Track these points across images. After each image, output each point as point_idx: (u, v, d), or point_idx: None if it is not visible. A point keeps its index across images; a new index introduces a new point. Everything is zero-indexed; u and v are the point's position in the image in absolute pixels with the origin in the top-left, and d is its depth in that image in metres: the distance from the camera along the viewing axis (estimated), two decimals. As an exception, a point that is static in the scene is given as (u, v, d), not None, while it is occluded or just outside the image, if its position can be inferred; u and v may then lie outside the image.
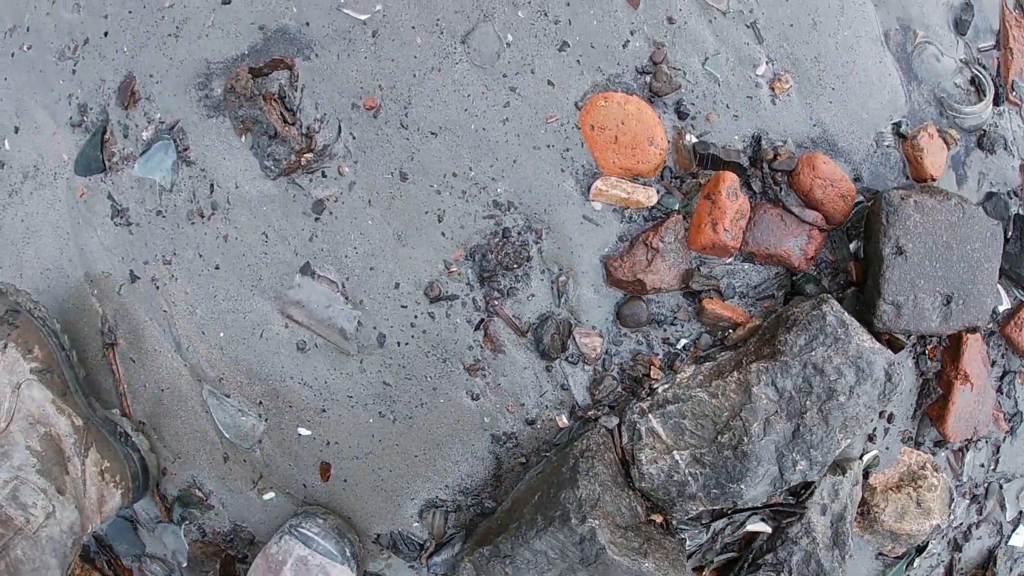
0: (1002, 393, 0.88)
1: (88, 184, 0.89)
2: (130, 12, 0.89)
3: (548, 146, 0.75)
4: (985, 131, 0.88)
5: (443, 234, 0.75)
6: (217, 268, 0.81)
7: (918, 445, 0.83)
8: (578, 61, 0.76)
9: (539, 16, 0.76)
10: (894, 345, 0.77)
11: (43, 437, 0.79)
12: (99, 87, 0.90)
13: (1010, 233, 0.87)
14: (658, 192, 0.75)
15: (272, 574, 0.76)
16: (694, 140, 0.75)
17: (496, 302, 0.74)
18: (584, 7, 0.77)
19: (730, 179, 0.72)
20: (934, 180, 0.83)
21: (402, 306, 0.76)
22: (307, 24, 0.81)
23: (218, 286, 0.81)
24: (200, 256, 0.82)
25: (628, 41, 0.76)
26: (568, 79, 0.76)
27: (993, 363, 0.87)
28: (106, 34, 0.91)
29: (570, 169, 0.75)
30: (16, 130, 0.96)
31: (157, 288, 0.84)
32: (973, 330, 0.78)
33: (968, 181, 0.88)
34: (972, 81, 0.88)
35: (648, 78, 0.76)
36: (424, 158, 0.76)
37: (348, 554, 0.77)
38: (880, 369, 0.72)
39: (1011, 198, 0.89)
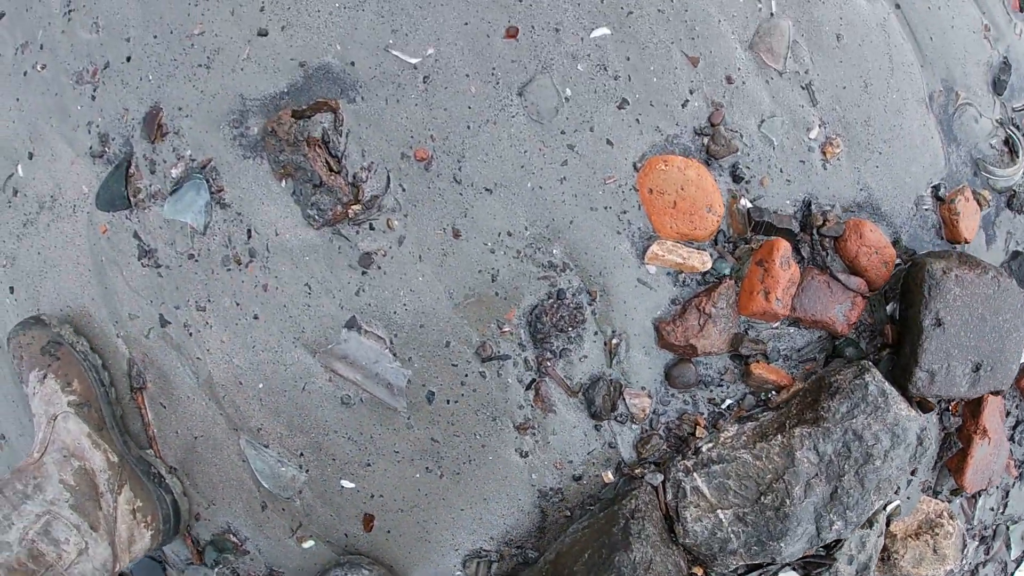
0: (1014, 441, 0.92)
1: (112, 221, 0.84)
2: (155, 37, 0.83)
3: (605, 208, 0.74)
4: (1015, 192, 0.90)
5: (496, 293, 0.74)
6: (256, 318, 0.79)
7: (936, 494, 0.87)
8: (637, 120, 0.74)
9: (599, 70, 0.74)
10: (924, 406, 0.80)
11: (77, 471, 0.77)
12: (122, 116, 0.84)
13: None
14: (711, 256, 0.75)
15: (316, 625, 0.76)
16: (748, 205, 0.75)
17: (548, 363, 0.74)
18: (644, 63, 0.75)
19: (784, 248, 0.73)
20: (967, 243, 0.85)
21: (452, 364, 0.75)
22: (352, 64, 0.77)
23: (257, 336, 0.79)
24: (237, 304, 0.79)
25: (687, 101, 0.75)
26: (627, 138, 0.74)
27: (1008, 413, 0.91)
28: (128, 59, 0.85)
29: (626, 232, 0.74)
30: (30, 156, 0.89)
31: (190, 335, 0.81)
32: (996, 393, 0.81)
33: (996, 240, 0.90)
34: (1006, 142, 0.90)
35: (706, 140, 0.75)
36: (478, 215, 0.74)
37: (393, 605, 0.77)
38: (913, 434, 0.74)
39: (1033, 257, 0.93)
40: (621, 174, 0.74)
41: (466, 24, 0.75)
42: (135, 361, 0.84)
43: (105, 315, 0.85)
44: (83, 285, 0.86)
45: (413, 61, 0.75)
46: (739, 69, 0.77)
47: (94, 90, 0.87)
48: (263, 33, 0.79)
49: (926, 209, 0.84)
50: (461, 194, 0.74)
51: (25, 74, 0.91)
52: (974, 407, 0.85)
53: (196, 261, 0.80)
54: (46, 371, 0.81)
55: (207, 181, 0.80)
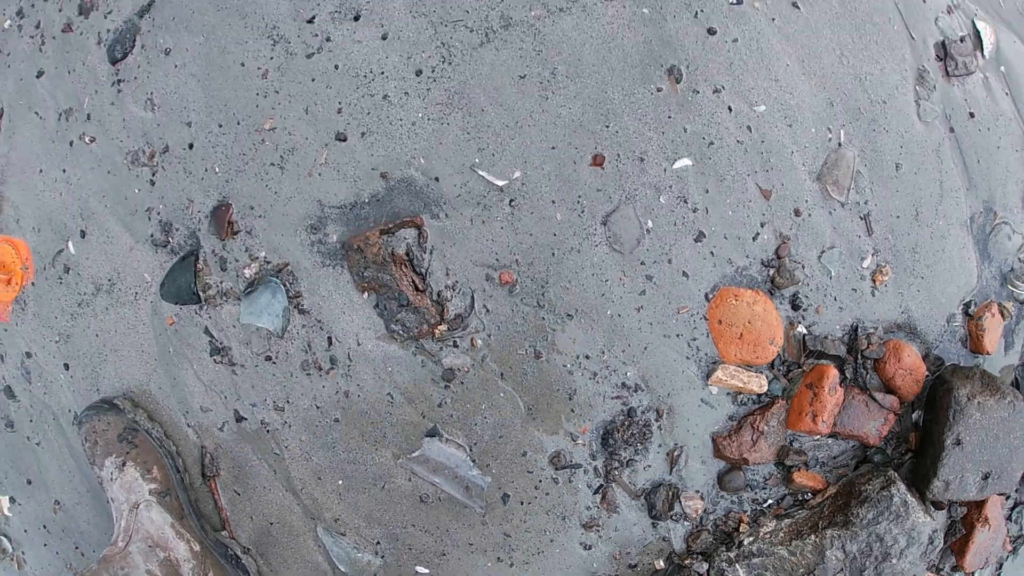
0: (1011, 520, 1.13)
1: (179, 314, 0.91)
2: (220, 126, 0.88)
3: (677, 335, 0.86)
4: (1034, 303, 1.07)
5: (572, 410, 0.87)
6: (337, 421, 0.89)
7: (938, 571, 1.08)
8: (712, 252, 0.86)
9: (679, 203, 0.84)
10: (937, 505, 0.99)
11: (163, 562, 0.87)
12: (186, 208, 0.90)
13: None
14: (768, 379, 0.89)
15: None
16: (804, 332, 0.89)
17: (616, 471, 0.88)
18: (722, 195, 0.85)
19: (833, 376, 0.87)
20: (989, 354, 1.02)
21: (528, 471, 0.88)
22: (436, 179, 0.84)
23: (337, 438, 0.89)
24: (317, 407, 0.89)
25: (758, 234, 0.86)
26: (701, 270, 0.86)
27: (1007, 497, 1.12)
28: (191, 146, 0.89)
29: (695, 357, 0.87)
30: (83, 234, 0.94)
31: (268, 432, 0.91)
32: (1001, 494, 1.01)
33: (1015, 347, 1.07)
34: (1031, 255, 1.05)
35: (771, 271, 0.87)
36: (559, 339, 0.85)
37: (461, 675, 0.93)
38: (926, 536, 0.93)
39: (1043, 360, 1.11)
40: (694, 304, 0.86)
41: (553, 148, 0.84)
42: (207, 450, 0.94)
43: (174, 404, 0.94)
44: (148, 373, 0.94)
45: (500, 183, 0.84)
46: (806, 201, 0.88)
47: (152, 174, 0.91)
48: (342, 138, 0.86)
49: (956, 325, 1.00)
50: (543, 319, 0.85)
51: (71, 144, 0.94)
52: (979, 500, 1.05)
53: (274, 363, 0.89)
54: (124, 458, 0.90)
55: (284, 285, 0.88)
